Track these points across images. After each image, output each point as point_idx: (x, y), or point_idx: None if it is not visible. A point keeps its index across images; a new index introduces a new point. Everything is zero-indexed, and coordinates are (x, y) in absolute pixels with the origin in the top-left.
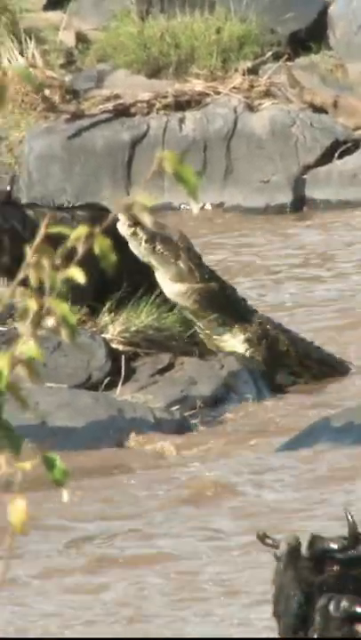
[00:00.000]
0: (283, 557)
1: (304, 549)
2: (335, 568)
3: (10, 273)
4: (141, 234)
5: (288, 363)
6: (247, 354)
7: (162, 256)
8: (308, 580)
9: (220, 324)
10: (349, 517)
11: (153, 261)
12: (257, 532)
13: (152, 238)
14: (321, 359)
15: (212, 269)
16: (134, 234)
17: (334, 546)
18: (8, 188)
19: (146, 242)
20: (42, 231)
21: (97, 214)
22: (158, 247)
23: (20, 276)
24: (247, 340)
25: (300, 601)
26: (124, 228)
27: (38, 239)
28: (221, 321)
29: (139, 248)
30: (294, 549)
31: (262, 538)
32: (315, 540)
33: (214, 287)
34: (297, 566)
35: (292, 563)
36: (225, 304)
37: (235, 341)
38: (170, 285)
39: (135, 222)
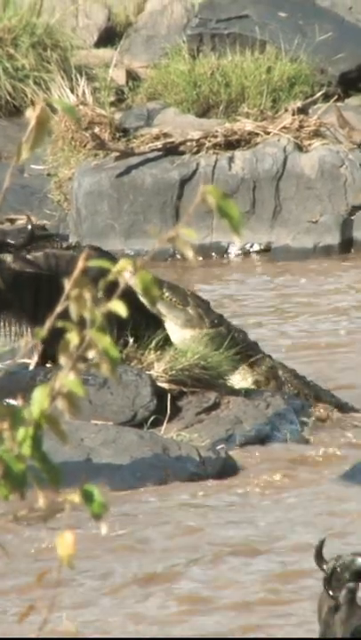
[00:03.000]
0: (342, 606)
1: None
2: None
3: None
4: None
5: None
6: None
7: (170, 303)
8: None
9: (230, 368)
10: None
11: (161, 309)
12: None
13: (159, 286)
14: (335, 404)
15: (221, 315)
16: None
17: None
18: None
19: None
20: (80, 264)
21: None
22: (166, 294)
23: (59, 309)
24: (255, 383)
25: None
26: (130, 276)
27: (77, 272)
28: (231, 365)
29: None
30: (352, 598)
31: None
32: None
33: (223, 332)
34: (354, 615)
35: (350, 613)
36: (234, 348)
37: (244, 384)
38: (180, 332)
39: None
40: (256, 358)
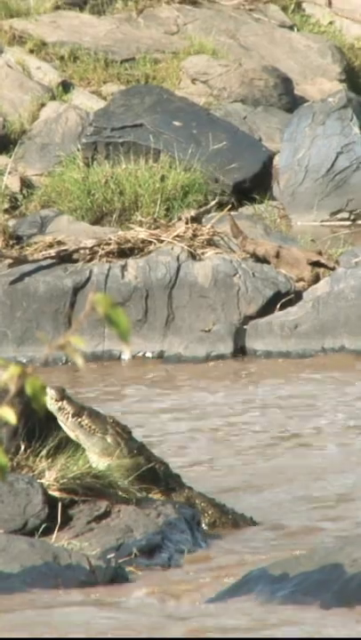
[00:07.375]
0: None
1: None
2: None
3: None
4: (68, 408)
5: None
6: None
7: (89, 430)
8: None
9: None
10: None
11: (80, 436)
12: None
13: (79, 413)
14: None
15: (143, 444)
16: (61, 408)
17: None
18: None
19: (72, 416)
20: None
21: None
22: (85, 422)
23: None
24: None
25: None
26: (50, 402)
27: None
28: (150, 494)
29: (66, 423)
30: None
31: None
32: None
33: (142, 462)
34: None
35: None
36: (153, 479)
37: None
38: (97, 460)
39: (62, 396)
40: (174, 490)
